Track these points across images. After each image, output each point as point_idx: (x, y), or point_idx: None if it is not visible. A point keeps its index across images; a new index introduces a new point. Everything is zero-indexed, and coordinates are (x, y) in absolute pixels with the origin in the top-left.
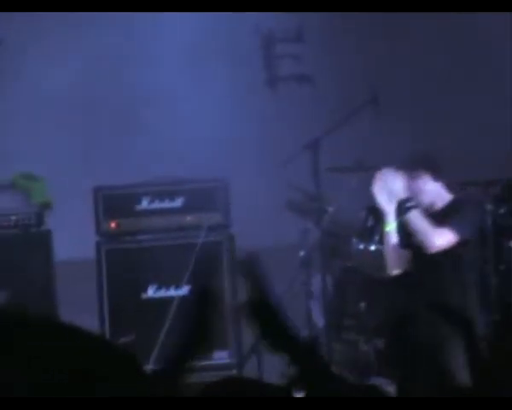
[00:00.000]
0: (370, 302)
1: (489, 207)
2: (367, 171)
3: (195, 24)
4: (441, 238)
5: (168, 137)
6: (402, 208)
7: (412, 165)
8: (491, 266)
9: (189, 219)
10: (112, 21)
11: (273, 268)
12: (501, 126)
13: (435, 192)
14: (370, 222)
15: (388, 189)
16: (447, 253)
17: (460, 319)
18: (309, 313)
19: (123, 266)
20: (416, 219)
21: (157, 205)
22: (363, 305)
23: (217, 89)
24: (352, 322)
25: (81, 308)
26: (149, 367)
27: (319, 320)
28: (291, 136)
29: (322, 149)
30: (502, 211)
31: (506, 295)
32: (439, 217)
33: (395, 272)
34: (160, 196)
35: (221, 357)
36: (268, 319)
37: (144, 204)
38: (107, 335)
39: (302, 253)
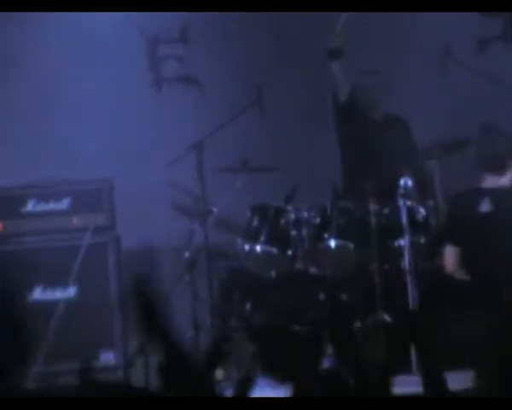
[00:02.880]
0: (256, 303)
1: (372, 207)
2: (252, 171)
3: (85, 24)
4: None
5: (54, 138)
6: None
7: None
8: (376, 265)
9: (74, 220)
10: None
11: (158, 269)
12: None
13: None
14: (256, 222)
15: None
16: None
17: None
18: (195, 313)
19: (8, 268)
20: None
21: (42, 207)
22: (248, 305)
23: (103, 89)
24: (237, 323)
25: None
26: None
27: (206, 321)
28: (176, 136)
29: (207, 149)
30: (386, 211)
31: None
32: None
33: None
34: (46, 197)
35: (107, 358)
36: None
37: (30, 206)
38: None
39: (187, 254)
